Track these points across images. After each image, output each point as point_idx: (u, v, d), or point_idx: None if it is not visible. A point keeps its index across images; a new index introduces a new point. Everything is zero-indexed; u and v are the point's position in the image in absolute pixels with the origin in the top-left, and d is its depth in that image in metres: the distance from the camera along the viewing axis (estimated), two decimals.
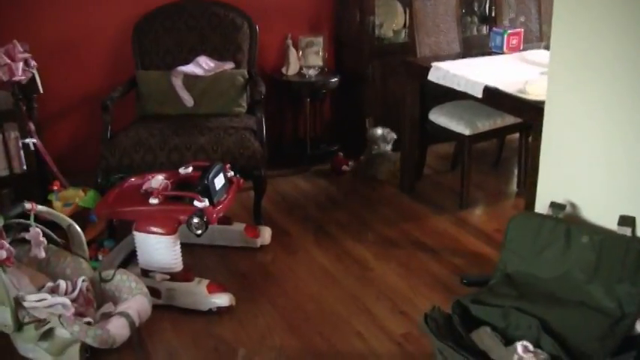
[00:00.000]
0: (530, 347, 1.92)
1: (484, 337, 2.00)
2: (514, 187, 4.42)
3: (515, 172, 4.42)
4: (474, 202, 4.14)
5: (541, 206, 2.38)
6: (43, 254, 2.81)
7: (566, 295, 2.11)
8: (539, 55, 4.02)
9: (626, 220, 2.09)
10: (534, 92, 3.26)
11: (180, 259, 3.08)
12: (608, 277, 2.06)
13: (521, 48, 4.12)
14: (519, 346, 1.93)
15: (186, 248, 3.14)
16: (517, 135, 4.35)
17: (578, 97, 2.24)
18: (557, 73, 2.33)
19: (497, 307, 2.07)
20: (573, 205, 2.27)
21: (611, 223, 2.15)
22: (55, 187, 3.60)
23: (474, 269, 3.38)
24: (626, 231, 2.08)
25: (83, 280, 2.74)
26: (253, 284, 3.30)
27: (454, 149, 4.60)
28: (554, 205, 2.26)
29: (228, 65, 3.98)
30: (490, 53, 4.13)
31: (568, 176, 2.30)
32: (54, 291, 2.67)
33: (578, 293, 2.09)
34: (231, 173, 3.31)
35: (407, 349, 2.81)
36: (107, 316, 2.65)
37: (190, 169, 3.28)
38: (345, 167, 4.54)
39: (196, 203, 2.98)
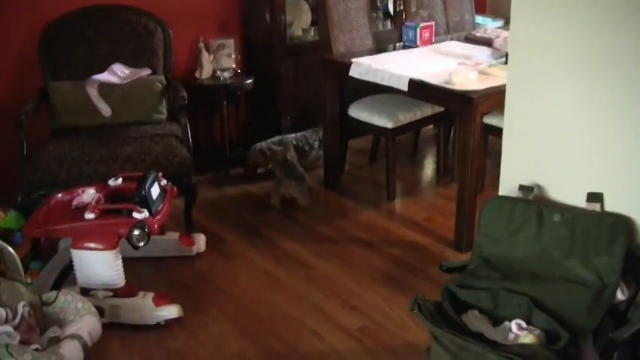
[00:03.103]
0: (524, 325, 1.98)
1: (473, 320, 2.04)
2: (434, 176, 4.54)
3: (433, 162, 4.53)
4: (399, 194, 4.21)
5: (505, 191, 2.45)
6: None
7: (547, 273, 2.18)
8: (452, 46, 4.15)
9: (594, 197, 2.19)
10: (460, 82, 3.36)
11: (123, 273, 2.95)
12: (584, 251, 2.15)
13: (433, 41, 4.23)
14: (514, 324, 1.98)
15: None
16: (430, 127, 4.48)
17: (540, 79, 2.30)
18: (517, 56, 2.38)
19: (484, 290, 2.12)
20: (540, 187, 2.35)
21: (579, 201, 2.25)
22: None
23: (412, 258, 3.45)
24: (595, 207, 2.17)
25: (24, 306, 2.57)
26: (197, 293, 3.20)
27: (372, 143, 4.66)
28: (522, 187, 2.33)
29: (145, 72, 3.84)
30: (403, 47, 4.21)
31: (532, 159, 2.37)
32: None
33: (558, 269, 2.17)
34: (164, 182, 3.21)
35: (366, 344, 2.82)
36: (56, 340, 2.50)
37: (120, 180, 3.15)
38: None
39: (135, 215, 2.87)
